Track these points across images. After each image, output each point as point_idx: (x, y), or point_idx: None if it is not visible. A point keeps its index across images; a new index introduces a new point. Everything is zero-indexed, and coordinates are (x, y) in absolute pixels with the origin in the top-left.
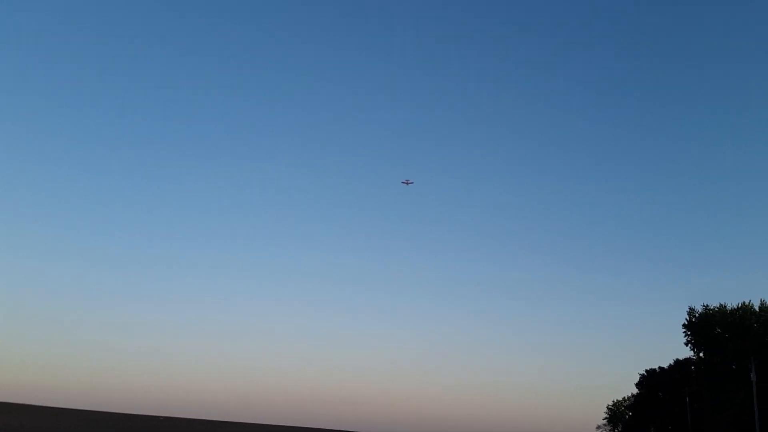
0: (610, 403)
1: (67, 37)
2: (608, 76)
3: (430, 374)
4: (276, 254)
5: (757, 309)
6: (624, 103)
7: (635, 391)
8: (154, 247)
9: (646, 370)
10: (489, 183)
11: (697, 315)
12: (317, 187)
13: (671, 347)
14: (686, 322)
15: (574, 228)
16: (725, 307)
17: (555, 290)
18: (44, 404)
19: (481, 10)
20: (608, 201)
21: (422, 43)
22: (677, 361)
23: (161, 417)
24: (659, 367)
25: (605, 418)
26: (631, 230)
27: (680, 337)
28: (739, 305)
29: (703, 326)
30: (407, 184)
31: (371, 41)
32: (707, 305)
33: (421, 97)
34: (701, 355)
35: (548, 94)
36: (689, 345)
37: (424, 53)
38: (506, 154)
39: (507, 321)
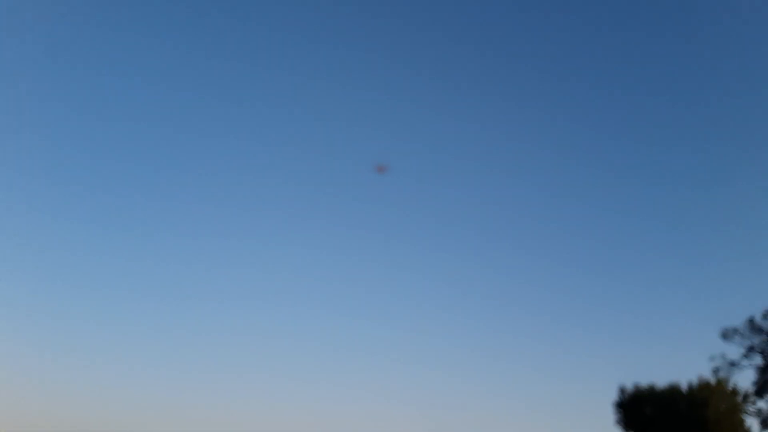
0: None
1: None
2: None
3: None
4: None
5: (684, 391)
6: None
7: None
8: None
9: None
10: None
11: (628, 394)
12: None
13: (602, 425)
14: (617, 401)
15: (506, 295)
16: (654, 387)
17: (481, 358)
18: None
19: None
20: (541, 266)
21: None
22: None
23: None
24: None
25: None
26: (568, 300)
27: (610, 414)
28: (668, 386)
29: (633, 406)
30: (381, 171)
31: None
32: (638, 385)
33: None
34: None
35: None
36: (620, 424)
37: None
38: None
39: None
